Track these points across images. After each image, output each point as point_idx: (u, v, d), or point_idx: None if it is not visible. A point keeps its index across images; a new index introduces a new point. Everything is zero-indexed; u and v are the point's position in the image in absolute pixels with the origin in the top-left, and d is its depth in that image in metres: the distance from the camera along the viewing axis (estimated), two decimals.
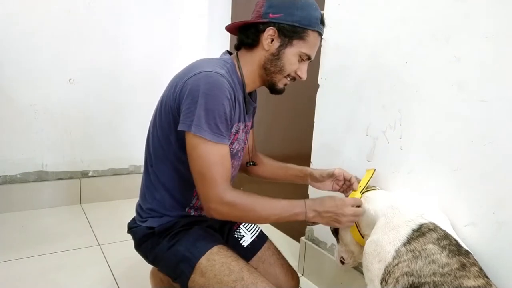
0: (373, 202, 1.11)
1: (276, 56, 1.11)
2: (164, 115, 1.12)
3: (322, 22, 1.13)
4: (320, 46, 1.54)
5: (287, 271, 1.29)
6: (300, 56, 1.12)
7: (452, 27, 1.08)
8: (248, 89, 1.17)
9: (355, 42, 1.41)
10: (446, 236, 0.94)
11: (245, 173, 1.39)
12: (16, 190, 2.21)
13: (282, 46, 1.11)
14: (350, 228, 1.16)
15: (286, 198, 1.10)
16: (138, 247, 1.21)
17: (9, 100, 2.12)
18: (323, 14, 1.14)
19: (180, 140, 1.08)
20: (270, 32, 1.10)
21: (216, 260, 1.07)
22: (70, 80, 2.26)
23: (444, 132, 1.10)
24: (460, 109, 1.06)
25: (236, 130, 1.15)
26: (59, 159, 2.31)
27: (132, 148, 2.44)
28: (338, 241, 1.26)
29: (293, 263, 1.49)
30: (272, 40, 1.11)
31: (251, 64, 1.15)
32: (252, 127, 1.35)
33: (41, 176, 2.27)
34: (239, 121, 1.16)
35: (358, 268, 1.46)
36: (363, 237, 1.14)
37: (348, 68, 1.45)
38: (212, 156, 1.02)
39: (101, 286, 1.58)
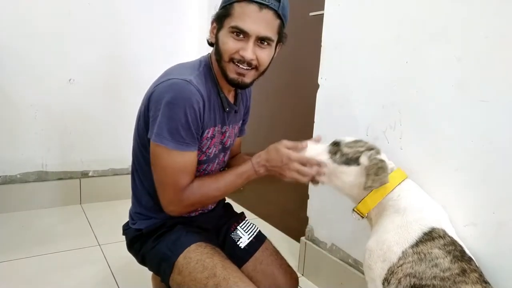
0: (405, 194, 1.03)
1: (216, 43, 1.09)
2: (142, 121, 1.12)
3: None
4: (320, 45, 1.56)
5: (285, 271, 1.28)
6: (231, 32, 1.03)
7: (452, 27, 1.08)
8: (224, 89, 1.15)
9: (355, 42, 1.41)
10: (453, 242, 0.94)
11: None
12: (16, 190, 2.21)
13: (218, 32, 1.08)
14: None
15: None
16: (130, 248, 1.24)
17: (9, 100, 2.12)
18: None
19: None
20: (213, 25, 1.10)
21: (192, 258, 1.08)
22: (70, 80, 2.26)
23: (444, 132, 1.10)
24: (460, 109, 1.06)
25: (212, 134, 1.14)
26: (59, 159, 2.31)
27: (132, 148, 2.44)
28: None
29: (293, 263, 1.48)
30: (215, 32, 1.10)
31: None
32: (241, 133, 1.35)
33: (41, 176, 2.27)
34: (215, 126, 1.14)
35: (359, 268, 1.46)
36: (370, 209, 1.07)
37: (348, 68, 1.44)
38: (176, 165, 1.04)
39: (101, 286, 1.58)
